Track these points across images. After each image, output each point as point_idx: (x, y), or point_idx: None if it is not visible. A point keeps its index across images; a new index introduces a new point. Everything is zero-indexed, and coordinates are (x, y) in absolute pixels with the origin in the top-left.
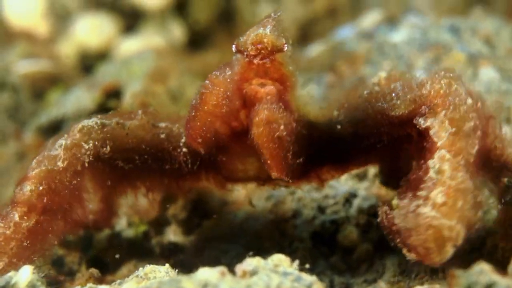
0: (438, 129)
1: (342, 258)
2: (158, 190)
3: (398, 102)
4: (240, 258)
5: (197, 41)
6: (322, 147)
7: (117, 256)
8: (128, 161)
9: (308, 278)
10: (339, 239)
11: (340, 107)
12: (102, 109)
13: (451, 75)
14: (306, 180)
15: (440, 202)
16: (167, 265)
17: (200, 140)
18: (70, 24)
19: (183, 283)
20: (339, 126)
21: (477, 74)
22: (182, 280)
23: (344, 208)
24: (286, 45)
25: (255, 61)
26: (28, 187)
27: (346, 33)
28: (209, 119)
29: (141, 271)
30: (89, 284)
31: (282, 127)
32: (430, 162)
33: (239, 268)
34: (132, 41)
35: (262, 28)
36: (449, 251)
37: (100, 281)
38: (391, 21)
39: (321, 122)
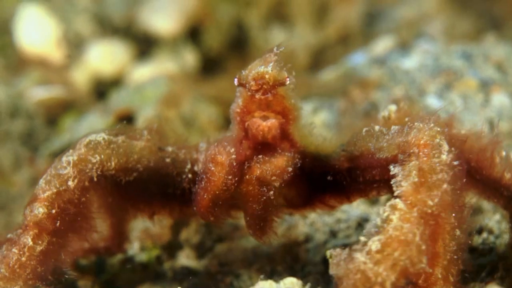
0: (401, 178)
1: None
2: (161, 214)
3: (385, 145)
4: (252, 282)
5: (209, 67)
6: (323, 177)
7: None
8: (132, 182)
9: None
10: None
11: (343, 142)
12: None
13: (439, 129)
14: (311, 207)
15: (375, 250)
16: None
17: (212, 217)
18: (84, 51)
19: None
20: (337, 160)
21: (489, 100)
22: None
23: (356, 232)
24: (288, 78)
25: (257, 96)
26: (40, 209)
27: (358, 59)
28: (218, 198)
29: None
30: None
31: (271, 192)
32: (381, 210)
33: None
34: (145, 67)
35: (263, 63)
36: None
37: None
38: (403, 47)
39: (321, 154)
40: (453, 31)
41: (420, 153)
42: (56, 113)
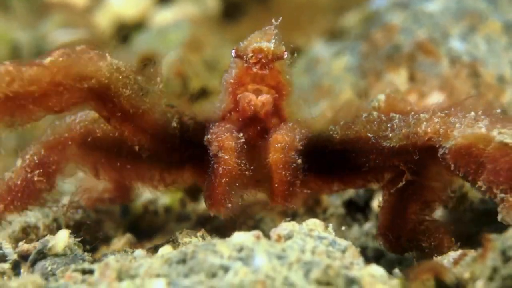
0: (469, 128)
1: (376, 224)
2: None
3: (391, 134)
4: (275, 224)
5: (231, 12)
6: (310, 157)
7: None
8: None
9: (343, 242)
10: (373, 206)
11: (336, 122)
12: None
13: (446, 112)
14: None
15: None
16: (202, 230)
17: (222, 209)
18: None
19: (218, 246)
20: (330, 141)
21: None
22: (217, 243)
23: None
24: (286, 53)
25: (254, 69)
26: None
27: (381, 1)
28: (234, 183)
29: (176, 235)
30: (125, 249)
31: (299, 160)
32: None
33: (274, 232)
34: (167, 11)
35: (263, 37)
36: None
37: (136, 246)
38: None
39: (314, 133)
40: None
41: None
42: None
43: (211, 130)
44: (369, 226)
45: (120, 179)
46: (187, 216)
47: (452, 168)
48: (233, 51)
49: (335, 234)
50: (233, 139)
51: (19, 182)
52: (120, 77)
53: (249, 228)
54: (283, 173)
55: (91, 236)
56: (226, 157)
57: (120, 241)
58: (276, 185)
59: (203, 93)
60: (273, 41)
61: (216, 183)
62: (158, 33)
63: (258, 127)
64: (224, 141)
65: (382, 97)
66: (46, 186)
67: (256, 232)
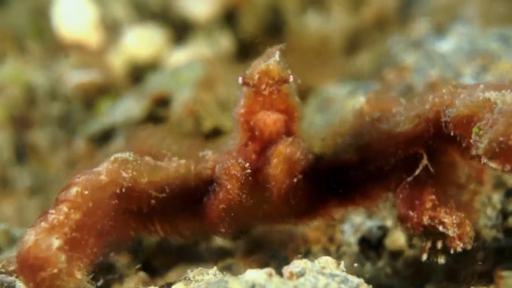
0: (470, 98)
1: (389, 262)
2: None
3: (402, 118)
4: (288, 262)
5: (245, 52)
6: (328, 180)
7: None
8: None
9: (355, 280)
10: (386, 244)
11: (342, 135)
12: (151, 117)
13: (454, 83)
14: (314, 217)
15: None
16: (215, 267)
17: (222, 230)
18: (121, 36)
19: (230, 283)
20: (344, 155)
21: None
22: (229, 281)
23: (391, 213)
24: (291, 76)
25: (263, 91)
26: (74, 189)
27: (394, 42)
28: (231, 210)
29: (189, 273)
30: (138, 287)
31: (301, 165)
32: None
33: (286, 269)
34: (181, 52)
35: (267, 60)
36: None
37: (148, 284)
38: (439, 30)
39: (326, 153)
40: (490, 14)
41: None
42: (93, 97)
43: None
44: (382, 263)
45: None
46: (200, 254)
47: (455, 137)
48: (240, 78)
49: (347, 271)
50: (240, 168)
51: None
52: (133, 170)
53: (262, 265)
54: (283, 180)
55: (104, 274)
56: (229, 185)
57: (132, 279)
58: (276, 196)
59: (216, 133)
60: (277, 63)
61: (214, 207)
62: (172, 73)
63: (267, 157)
64: (230, 168)
65: (362, 99)
66: None
67: (269, 270)
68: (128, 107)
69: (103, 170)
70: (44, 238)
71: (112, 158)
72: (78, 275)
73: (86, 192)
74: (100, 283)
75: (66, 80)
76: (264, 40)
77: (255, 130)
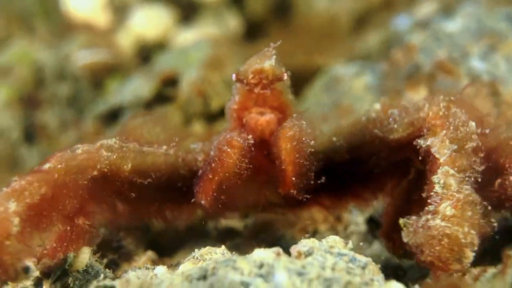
0: (440, 146)
1: None
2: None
3: (396, 126)
4: (295, 242)
5: (252, 32)
6: (320, 174)
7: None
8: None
9: (363, 259)
10: None
11: (338, 134)
12: (159, 97)
13: (451, 98)
14: (306, 206)
15: (450, 214)
16: (223, 246)
17: (209, 199)
18: (129, 16)
19: (238, 263)
20: (336, 153)
21: None
22: (237, 260)
23: None
24: (285, 74)
25: (256, 90)
26: (47, 164)
27: (402, 22)
28: (225, 181)
29: (197, 252)
30: (146, 265)
31: (311, 143)
32: (434, 178)
33: (294, 249)
34: (189, 32)
35: (262, 58)
36: (470, 256)
37: (157, 263)
38: (447, 10)
39: (319, 149)
40: None
41: (446, 124)
42: (101, 77)
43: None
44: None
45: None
46: (208, 233)
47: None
48: (234, 75)
49: (355, 251)
50: (242, 138)
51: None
52: (117, 155)
53: (269, 245)
54: (299, 161)
55: (113, 253)
56: (231, 150)
57: (141, 258)
58: (293, 178)
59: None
60: (272, 61)
61: (211, 174)
62: (179, 53)
63: (264, 151)
64: (234, 137)
65: (377, 105)
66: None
67: (276, 249)
68: (136, 87)
69: (82, 150)
70: (2, 201)
71: (98, 143)
72: (31, 244)
73: (59, 167)
74: (107, 261)
75: (75, 60)
76: (271, 20)
77: (246, 128)
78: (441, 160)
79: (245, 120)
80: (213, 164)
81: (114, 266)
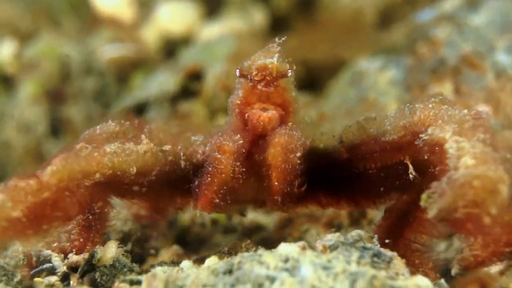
0: (441, 130)
1: None
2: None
3: (389, 128)
4: (320, 237)
5: (277, 26)
6: (319, 172)
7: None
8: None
9: (388, 253)
10: None
11: (338, 133)
12: (184, 91)
13: (440, 97)
14: (303, 205)
15: (472, 163)
16: (248, 241)
17: (211, 206)
18: (154, 10)
19: (264, 257)
20: (336, 151)
21: None
22: (263, 254)
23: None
24: (290, 70)
25: (259, 86)
26: (49, 168)
27: (426, 16)
28: (224, 187)
29: (223, 247)
30: (172, 260)
31: (298, 153)
32: (446, 146)
33: (320, 243)
34: (214, 26)
35: (267, 55)
36: (504, 191)
37: (183, 257)
38: (471, 4)
39: (319, 147)
40: None
41: (438, 117)
42: (126, 71)
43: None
44: None
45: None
46: (233, 228)
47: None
48: (237, 71)
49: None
50: (232, 141)
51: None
52: (121, 159)
53: (295, 240)
54: (282, 167)
55: (139, 248)
56: (222, 157)
57: (167, 252)
58: (276, 183)
59: None
60: (277, 58)
61: (208, 182)
62: (204, 47)
63: (265, 146)
64: (223, 142)
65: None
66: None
67: (302, 243)
68: (162, 81)
69: (85, 153)
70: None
71: (101, 147)
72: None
73: (62, 172)
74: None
75: (100, 54)
76: (296, 14)
77: (248, 123)
78: (447, 136)
79: (247, 116)
80: (208, 174)
81: (140, 260)
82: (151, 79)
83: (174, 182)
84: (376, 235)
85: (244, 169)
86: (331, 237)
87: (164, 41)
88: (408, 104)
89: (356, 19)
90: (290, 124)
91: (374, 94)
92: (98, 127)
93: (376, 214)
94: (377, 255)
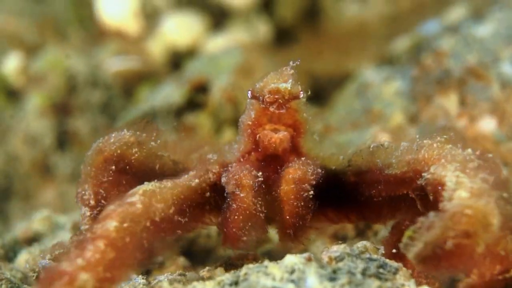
0: (443, 168)
1: None
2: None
3: (394, 161)
4: (326, 248)
5: (282, 38)
6: (327, 191)
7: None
8: None
9: (394, 264)
10: None
11: (348, 156)
12: (190, 103)
13: (446, 137)
14: (313, 226)
15: (466, 196)
16: (254, 252)
17: (236, 245)
18: (159, 23)
19: (270, 268)
20: (344, 174)
21: None
22: (269, 266)
23: None
24: (302, 92)
25: (271, 108)
26: (112, 223)
27: (431, 27)
28: (248, 222)
29: (228, 259)
30: (178, 271)
31: (311, 192)
32: (446, 180)
33: (325, 254)
34: (219, 38)
35: (280, 77)
36: (495, 223)
37: (189, 269)
38: (476, 15)
39: (328, 167)
40: None
41: (442, 156)
42: (132, 84)
43: (230, 169)
44: None
45: None
46: None
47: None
48: (249, 92)
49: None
50: (251, 177)
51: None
52: (160, 198)
53: (301, 251)
54: (294, 204)
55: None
56: (243, 195)
57: (173, 264)
58: (287, 217)
59: None
60: (290, 81)
61: (231, 220)
62: (210, 59)
63: (277, 167)
64: (242, 178)
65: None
66: None
67: (308, 255)
68: (168, 93)
69: (138, 201)
70: (79, 272)
71: (140, 191)
72: None
73: (125, 225)
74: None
75: (106, 67)
76: (301, 26)
77: (259, 144)
78: (448, 173)
79: (258, 137)
80: (230, 210)
81: (146, 272)
82: (157, 92)
83: (196, 207)
84: (382, 247)
85: (263, 205)
86: (337, 248)
87: (170, 54)
88: (417, 139)
89: (361, 30)
90: (303, 158)
91: (379, 105)
92: (112, 135)
93: (381, 225)
94: (382, 266)
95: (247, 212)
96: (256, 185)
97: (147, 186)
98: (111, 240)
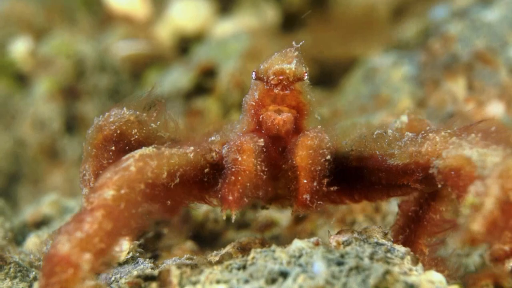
0: (457, 149)
1: None
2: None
3: (397, 152)
4: (334, 232)
5: (289, 22)
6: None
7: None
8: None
9: (402, 249)
10: None
11: (351, 140)
12: (198, 88)
13: (449, 131)
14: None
15: (498, 160)
16: (262, 236)
17: (237, 205)
18: (167, 7)
19: (277, 253)
20: (345, 159)
21: None
22: (276, 250)
23: None
24: (306, 74)
25: (275, 90)
26: (109, 192)
27: (439, 12)
28: (249, 187)
29: (237, 242)
30: (186, 255)
31: (328, 156)
32: (465, 154)
33: (333, 239)
34: (227, 23)
35: (284, 58)
36: None
37: (197, 253)
38: (485, 0)
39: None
40: None
41: (446, 148)
42: (140, 68)
43: (230, 142)
44: None
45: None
46: (247, 224)
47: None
48: (253, 73)
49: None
50: (252, 141)
51: None
52: (157, 163)
53: (308, 236)
54: (312, 168)
55: (153, 244)
56: (244, 157)
57: (181, 248)
58: (305, 181)
59: None
60: (294, 62)
61: (232, 182)
62: (218, 44)
63: (279, 148)
64: (244, 143)
65: (405, 118)
66: None
67: (315, 239)
68: (176, 78)
69: (132, 163)
70: (77, 254)
71: (137, 155)
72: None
73: (122, 192)
74: (148, 251)
75: (115, 51)
76: (308, 10)
77: (262, 125)
78: (466, 150)
79: (261, 118)
80: (232, 174)
81: (154, 256)
82: (165, 76)
83: (191, 180)
84: (389, 231)
85: (265, 169)
86: (345, 233)
87: (178, 38)
88: (423, 132)
89: (369, 15)
90: (319, 127)
91: (387, 90)
92: (112, 113)
93: (389, 209)
94: (390, 250)
95: (249, 173)
96: (258, 148)
97: (145, 150)
98: (109, 209)
